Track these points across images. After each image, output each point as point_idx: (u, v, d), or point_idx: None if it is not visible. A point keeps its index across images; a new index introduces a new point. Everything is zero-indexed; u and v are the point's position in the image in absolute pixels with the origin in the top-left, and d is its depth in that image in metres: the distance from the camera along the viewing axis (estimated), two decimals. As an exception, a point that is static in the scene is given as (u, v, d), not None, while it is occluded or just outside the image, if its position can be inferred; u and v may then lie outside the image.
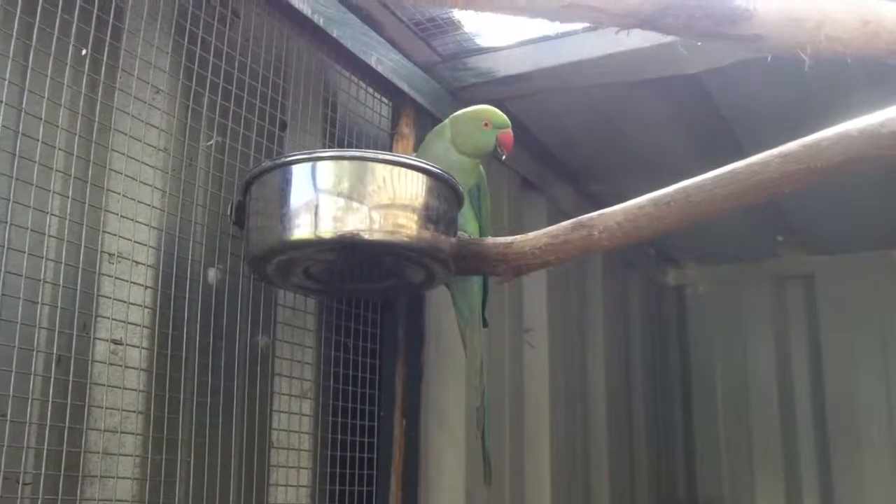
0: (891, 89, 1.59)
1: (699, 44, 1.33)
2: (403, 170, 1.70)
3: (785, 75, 1.42)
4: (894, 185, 3.26)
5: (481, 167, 2.10)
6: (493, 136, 1.99)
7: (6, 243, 1.39)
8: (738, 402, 4.41)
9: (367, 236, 1.64)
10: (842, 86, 2.27)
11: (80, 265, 1.52)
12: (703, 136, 2.99)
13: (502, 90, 2.55)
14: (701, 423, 4.52)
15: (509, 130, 2.00)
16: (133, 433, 1.58)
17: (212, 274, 1.81)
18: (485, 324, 2.18)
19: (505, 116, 2.01)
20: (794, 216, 3.78)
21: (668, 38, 1.37)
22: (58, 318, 1.48)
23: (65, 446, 1.46)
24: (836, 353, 4.19)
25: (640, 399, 4.14)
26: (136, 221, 1.63)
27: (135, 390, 1.60)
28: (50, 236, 1.48)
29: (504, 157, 2.05)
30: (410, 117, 2.41)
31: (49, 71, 1.48)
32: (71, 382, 1.48)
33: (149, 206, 1.66)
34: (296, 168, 1.68)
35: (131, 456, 1.57)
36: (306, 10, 1.98)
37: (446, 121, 2.06)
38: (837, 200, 3.42)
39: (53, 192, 1.49)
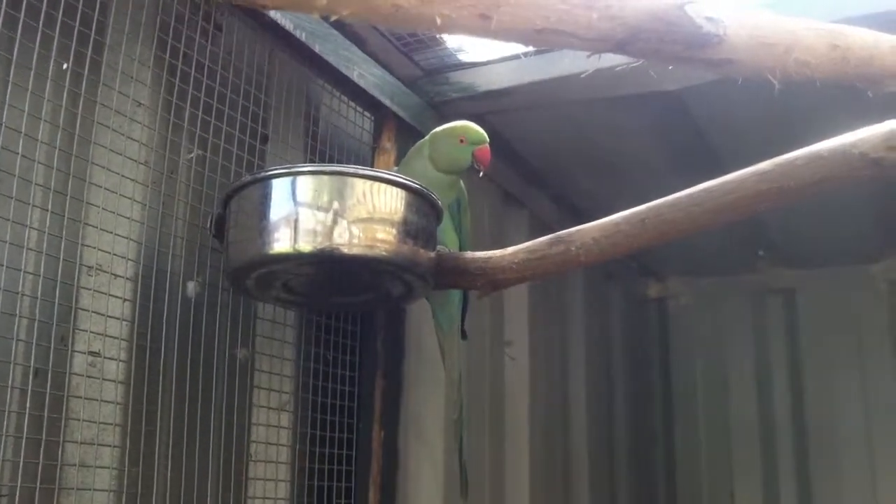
0: (866, 110, 1.61)
1: (670, 67, 1.35)
2: (382, 185, 1.72)
3: (763, 93, 1.44)
4: (874, 200, 3.30)
5: (462, 182, 2.11)
6: (468, 151, 1.99)
7: (-16, 257, 1.40)
8: (719, 414, 4.43)
9: (346, 250, 1.65)
10: (819, 104, 2.30)
11: (59, 278, 1.53)
12: (682, 151, 3.02)
13: (484, 105, 2.57)
14: (682, 435, 4.54)
15: (486, 146, 2.01)
16: (110, 445, 1.59)
17: (191, 287, 1.82)
18: (464, 336, 2.19)
19: (482, 132, 2.01)
20: (774, 231, 3.82)
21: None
22: (35, 331, 1.48)
23: (41, 459, 1.46)
24: (816, 366, 4.22)
25: (620, 411, 4.16)
26: (116, 234, 1.64)
27: (112, 403, 1.60)
28: (29, 249, 1.48)
29: (481, 174, 2.06)
30: (392, 131, 2.42)
31: (30, 85, 1.49)
32: (48, 395, 1.48)
33: (128, 218, 1.67)
34: (275, 182, 1.69)
35: (108, 468, 1.58)
36: (288, 25, 1.99)
37: (426, 137, 2.07)
38: (818, 216, 3.45)
39: (33, 206, 1.50)
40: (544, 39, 1.16)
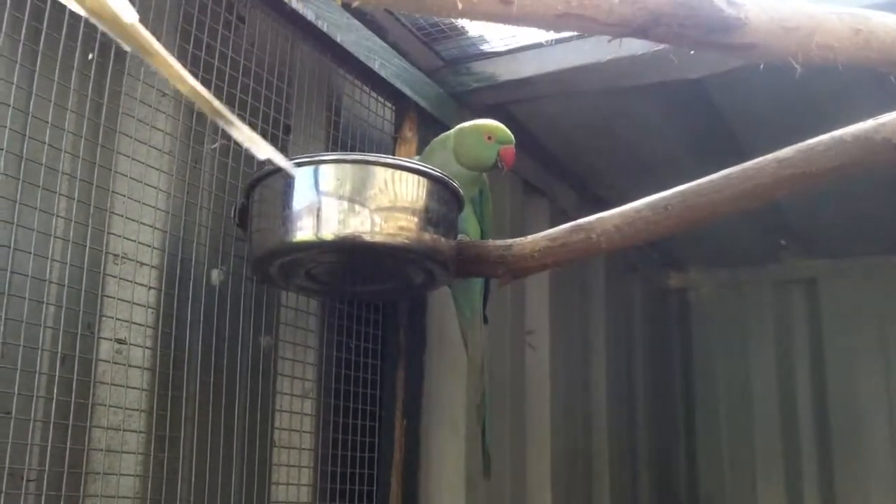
0: (889, 95, 1.61)
1: (692, 52, 1.35)
2: (404, 173, 1.72)
3: (785, 80, 1.44)
4: (896, 189, 3.28)
5: (484, 175, 2.11)
6: (495, 150, 1.99)
7: (13, 244, 1.42)
8: (740, 406, 4.42)
9: (368, 238, 1.66)
10: (842, 91, 2.29)
11: (85, 266, 1.55)
12: (704, 140, 3.01)
13: (505, 94, 2.57)
14: (703, 426, 4.53)
15: (512, 147, 2.00)
16: (136, 431, 1.61)
17: (215, 275, 1.84)
18: (486, 320, 2.20)
19: (509, 133, 2.00)
20: (796, 220, 3.80)
21: (666, 45, 1.39)
22: (63, 318, 1.50)
23: (69, 443, 1.49)
24: (838, 357, 4.20)
25: (641, 401, 4.15)
26: (141, 223, 1.66)
27: (138, 389, 1.63)
28: (56, 237, 1.51)
29: (504, 172, 2.06)
30: (413, 121, 2.43)
31: (56, 75, 1.51)
32: (75, 381, 1.51)
33: (153, 208, 1.69)
34: (298, 171, 1.70)
35: (134, 453, 1.60)
36: (310, 15, 2.00)
37: (451, 130, 2.07)
38: (840, 205, 3.44)
39: (59, 195, 1.52)
40: (565, 24, 1.16)
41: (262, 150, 1.09)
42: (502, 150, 2.00)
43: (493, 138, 1.99)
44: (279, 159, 1.11)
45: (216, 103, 1.05)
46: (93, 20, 0.93)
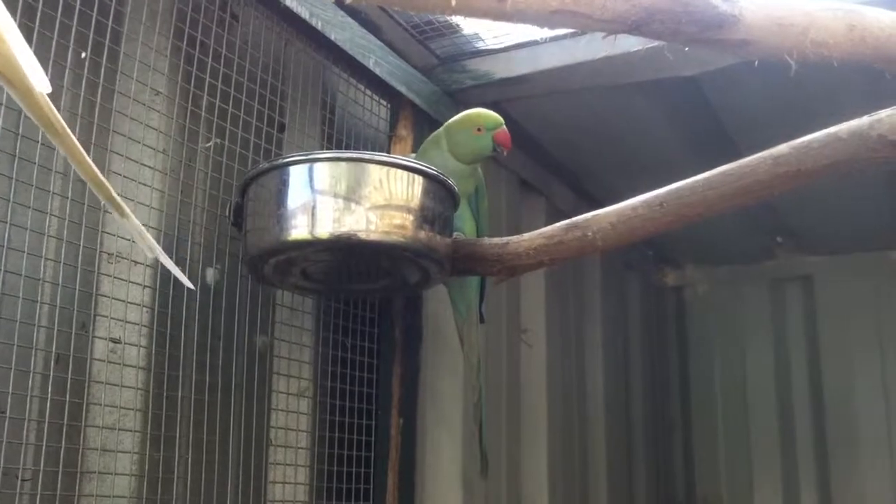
0: (883, 92, 1.61)
1: (686, 49, 1.35)
2: (399, 171, 1.72)
3: (780, 78, 1.44)
4: (892, 185, 3.28)
5: (479, 170, 2.11)
6: (488, 138, 1.99)
7: (6, 243, 1.41)
8: (737, 403, 4.42)
9: (363, 237, 1.66)
10: (836, 89, 2.29)
11: (80, 265, 1.55)
12: (698, 137, 3.01)
13: (500, 92, 2.57)
14: (700, 423, 4.53)
15: (503, 128, 1.99)
16: (131, 430, 1.61)
17: (210, 274, 1.83)
18: (482, 319, 2.20)
19: (495, 115, 2.00)
20: (792, 217, 3.80)
21: (661, 42, 1.39)
22: (57, 317, 1.50)
23: (63, 443, 1.48)
24: (834, 354, 4.20)
25: (638, 399, 4.15)
26: (135, 222, 1.65)
27: (133, 388, 1.62)
28: (49, 236, 1.50)
29: (505, 154, 2.05)
30: (408, 119, 2.43)
31: (48, 74, 1.50)
32: (70, 380, 1.50)
33: (147, 206, 1.68)
34: (293, 169, 1.70)
35: (129, 453, 1.60)
36: (304, 13, 2.00)
37: (441, 129, 2.07)
38: (836, 202, 3.44)
39: (53, 193, 1.52)
40: (559, 20, 1.16)
41: (151, 248, 1.08)
42: (496, 135, 1.99)
43: (483, 129, 1.99)
44: (170, 265, 1.10)
45: (113, 192, 1.03)
46: None
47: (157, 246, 1.11)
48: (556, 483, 3.09)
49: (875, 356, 4.11)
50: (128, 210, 1.03)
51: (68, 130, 0.92)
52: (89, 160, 0.98)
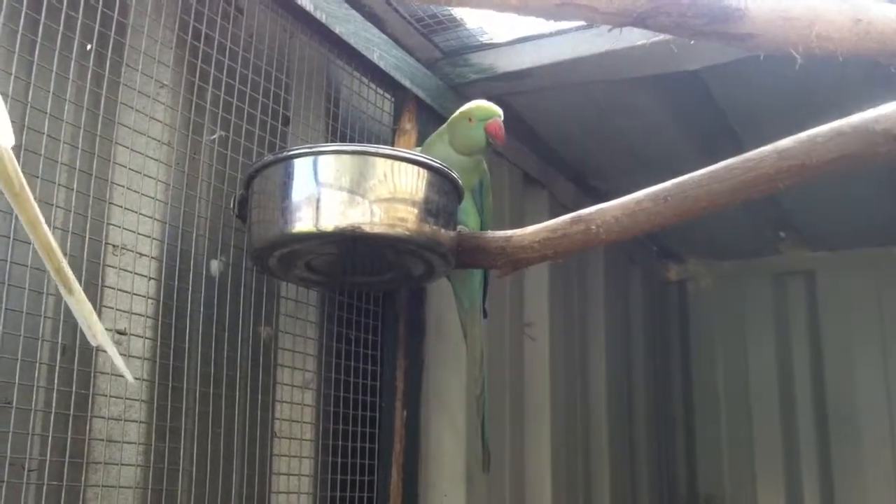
0: (889, 86, 1.61)
1: (692, 42, 1.35)
2: (403, 164, 1.73)
3: (784, 72, 1.44)
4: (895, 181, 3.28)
5: (484, 164, 2.11)
6: (479, 129, 1.98)
7: (12, 234, 1.42)
8: (740, 398, 4.42)
9: (367, 230, 1.67)
10: (840, 84, 2.29)
11: (85, 256, 1.55)
12: (702, 131, 3.01)
13: (503, 86, 2.57)
14: (702, 418, 4.53)
15: (495, 119, 1.99)
16: (137, 421, 1.61)
17: (215, 266, 1.84)
18: (485, 314, 2.20)
19: (490, 107, 2.00)
20: (795, 212, 3.80)
21: (665, 36, 1.39)
22: (63, 308, 1.50)
23: (69, 433, 1.49)
24: (837, 349, 4.20)
25: (641, 394, 4.16)
26: (140, 214, 1.66)
27: (138, 379, 1.62)
28: (55, 228, 1.51)
29: (499, 146, 2.05)
30: (412, 113, 2.43)
31: (54, 66, 1.51)
32: (76, 371, 1.51)
33: (152, 198, 1.69)
34: (298, 162, 1.71)
35: (135, 443, 1.60)
36: (309, 6, 2.00)
37: (446, 123, 2.08)
38: (839, 197, 3.44)
39: (58, 185, 1.52)
40: (565, 13, 1.16)
41: (97, 335, 1.06)
42: (487, 126, 1.98)
43: (473, 119, 1.99)
44: (114, 355, 1.09)
45: (65, 265, 1.01)
46: None
47: (103, 332, 1.09)
48: (559, 476, 3.09)
49: (877, 351, 4.11)
50: (77, 286, 1.01)
51: (28, 190, 0.90)
52: (45, 226, 0.97)
